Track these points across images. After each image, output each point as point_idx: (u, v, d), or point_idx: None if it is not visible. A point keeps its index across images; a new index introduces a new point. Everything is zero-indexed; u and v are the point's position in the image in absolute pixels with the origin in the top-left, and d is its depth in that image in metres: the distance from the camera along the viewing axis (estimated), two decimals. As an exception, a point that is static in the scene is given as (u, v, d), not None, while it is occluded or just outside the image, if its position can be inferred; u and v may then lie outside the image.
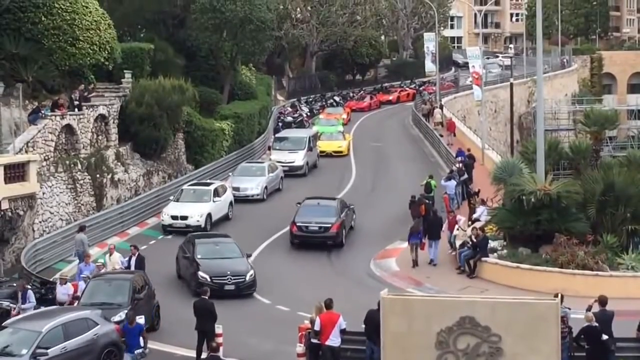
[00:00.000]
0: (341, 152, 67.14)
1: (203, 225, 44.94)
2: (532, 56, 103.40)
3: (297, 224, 43.16)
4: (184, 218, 45.11)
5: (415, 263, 39.91)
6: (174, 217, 45.28)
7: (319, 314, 25.58)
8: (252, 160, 59.50)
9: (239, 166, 55.63)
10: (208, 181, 50.67)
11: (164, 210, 46.25)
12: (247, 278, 35.56)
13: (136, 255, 34.44)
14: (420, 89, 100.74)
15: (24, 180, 39.12)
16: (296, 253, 42.57)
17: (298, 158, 59.85)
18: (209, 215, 45.66)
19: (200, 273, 35.16)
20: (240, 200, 50.99)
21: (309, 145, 61.05)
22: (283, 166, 58.11)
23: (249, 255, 37.48)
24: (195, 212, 45.29)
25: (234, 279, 35.27)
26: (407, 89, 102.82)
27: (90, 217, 43.83)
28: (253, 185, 52.43)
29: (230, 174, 55.21)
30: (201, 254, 36.36)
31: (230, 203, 48.46)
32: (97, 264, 33.50)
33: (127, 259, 34.62)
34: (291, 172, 58.64)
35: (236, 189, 51.65)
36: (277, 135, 65.66)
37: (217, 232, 42.37)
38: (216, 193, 47.23)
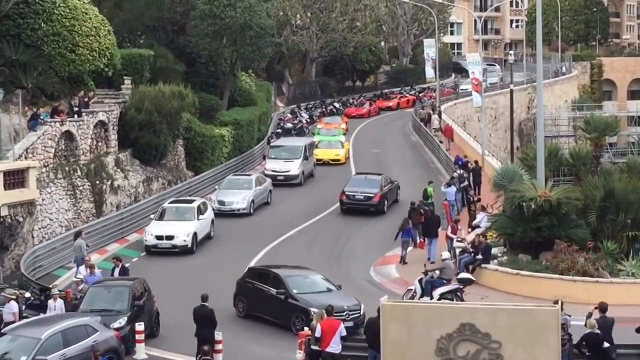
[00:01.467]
0: (339, 160, 66.32)
1: (190, 246, 42.77)
2: (532, 62, 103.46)
3: (346, 193, 51.20)
4: (170, 238, 42.66)
5: (403, 260, 41.19)
6: (159, 237, 42.73)
7: (319, 321, 25.55)
8: (240, 172, 57.82)
9: (225, 179, 53.44)
10: (190, 198, 48.32)
11: (146, 229, 43.77)
12: (361, 312, 31.46)
13: (119, 266, 33.86)
14: (420, 95, 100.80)
15: (24, 186, 39.12)
16: (292, 262, 42.45)
17: (293, 167, 58.60)
18: (195, 235, 43.40)
19: (315, 310, 29.61)
20: (226, 214, 49.19)
21: (305, 154, 59.82)
22: (278, 175, 57.41)
23: (339, 287, 33.27)
24: (181, 231, 42.95)
25: (352, 314, 31.15)
26: (407, 95, 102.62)
27: (90, 223, 43.78)
28: (239, 199, 50.33)
29: (216, 186, 53.04)
30: (297, 289, 32.29)
31: (212, 221, 45.95)
32: (76, 279, 32.74)
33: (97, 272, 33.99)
34: (286, 182, 57.68)
35: (221, 202, 49.96)
36: (272, 144, 64.42)
37: (287, 264, 37.07)
38: (199, 211, 44.79)
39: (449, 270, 34.54)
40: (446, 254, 35.88)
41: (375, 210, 50.45)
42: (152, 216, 45.00)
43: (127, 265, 40.39)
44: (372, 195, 50.70)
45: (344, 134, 74.95)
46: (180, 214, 44.16)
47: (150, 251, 42.75)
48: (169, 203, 45.99)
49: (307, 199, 54.14)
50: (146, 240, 43.03)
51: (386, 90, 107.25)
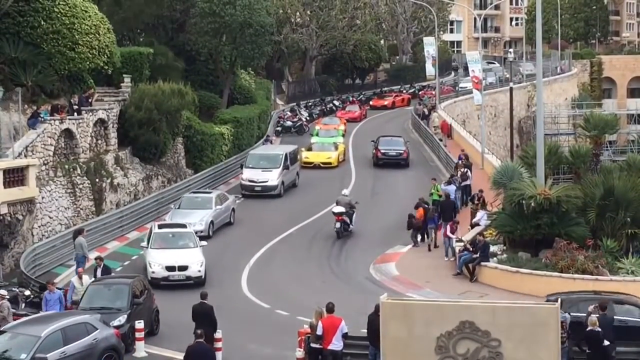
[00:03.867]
0: (330, 163, 63.41)
1: (203, 277, 37.78)
2: (531, 60, 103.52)
3: (381, 151, 63.32)
4: (183, 268, 37.49)
5: (429, 247, 43.25)
6: (170, 268, 37.37)
7: (318, 319, 25.54)
8: (199, 189, 51.82)
9: (182, 197, 48.31)
10: (178, 222, 42.71)
11: (149, 260, 37.95)
12: None
13: (101, 266, 33.39)
14: (420, 93, 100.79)
15: (23, 184, 39.06)
16: (292, 260, 42.49)
17: (272, 177, 54.52)
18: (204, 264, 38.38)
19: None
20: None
21: (285, 163, 55.51)
22: (255, 186, 54.33)
23: None
24: (193, 260, 37.86)
25: None
26: (402, 94, 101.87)
27: (90, 221, 43.76)
28: (196, 220, 44.43)
29: (171, 206, 47.97)
30: None
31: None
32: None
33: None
34: (264, 193, 54.16)
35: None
36: (250, 152, 59.32)
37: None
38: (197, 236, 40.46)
39: (342, 201, 46.10)
40: (345, 191, 48.44)
41: (404, 163, 62.98)
42: (143, 244, 40.20)
43: (126, 263, 40.66)
44: (402, 152, 63.55)
45: (343, 135, 73.31)
46: (176, 241, 39.40)
47: (159, 285, 36.29)
48: (160, 228, 40.33)
49: (282, 214, 50.61)
50: (153, 272, 37.25)
51: (385, 89, 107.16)
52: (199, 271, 37.56)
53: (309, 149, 65.11)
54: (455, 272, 38.97)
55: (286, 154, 56.28)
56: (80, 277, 32.17)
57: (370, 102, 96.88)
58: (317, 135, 71.16)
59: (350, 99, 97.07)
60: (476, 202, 46.11)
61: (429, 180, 52.03)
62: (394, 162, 62.58)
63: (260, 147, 63.41)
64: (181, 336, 29.41)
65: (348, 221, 45.86)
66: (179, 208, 46.66)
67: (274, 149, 60.86)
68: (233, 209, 49.05)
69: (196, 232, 41.91)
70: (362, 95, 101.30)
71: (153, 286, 34.45)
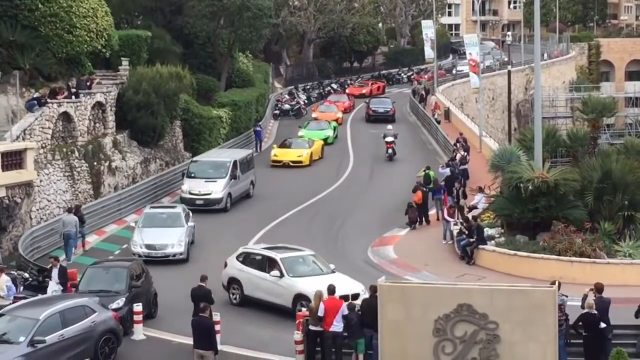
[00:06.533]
0: (301, 162, 58.79)
1: None
2: (529, 43, 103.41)
3: (372, 109, 76.44)
4: (356, 297, 29.96)
5: (437, 217, 44.53)
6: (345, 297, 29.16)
7: (318, 302, 25.64)
8: (159, 204, 46.27)
9: (143, 213, 41.26)
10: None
11: (291, 285, 31.02)
12: None
13: (57, 266, 31.47)
14: (413, 77, 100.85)
15: (22, 167, 39.08)
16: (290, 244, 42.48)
17: (216, 189, 47.35)
18: None
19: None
20: (157, 261, 37.37)
21: (233, 172, 48.38)
22: (197, 199, 46.97)
23: None
24: (356, 287, 31.06)
25: None
26: (377, 82, 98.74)
27: (88, 204, 43.77)
28: (174, 241, 38.31)
29: (132, 224, 41.69)
30: None
31: None
32: None
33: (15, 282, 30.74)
34: (207, 207, 46.83)
35: (151, 247, 38.12)
36: (193, 158, 51.92)
37: None
38: None
39: (389, 133, 61.00)
40: (390, 126, 64.08)
41: (392, 119, 73.97)
42: (272, 273, 31.65)
43: (124, 246, 40.66)
44: (389, 109, 76.20)
45: (339, 125, 71.00)
46: (306, 268, 32.46)
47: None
48: (282, 253, 32.72)
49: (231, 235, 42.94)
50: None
51: (384, 72, 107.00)
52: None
53: (282, 146, 60.76)
54: (459, 256, 38.78)
55: (235, 161, 49.05)
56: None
57: (347, 91, 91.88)
58: (305, 128, 67.02)
59: (349, 82, 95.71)
60: (458, 198, 45.93)
61: (425, 165, 51.98)
62: (383, 118, 73.93)
63: (207, 152, 54.78)
64: (179, 319, 29.49)
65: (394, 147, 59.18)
66: (142, 226, 39.54)
67: (221, 154, 52.54)
68: (194, 226, 41.52)
69: (174, 255, 38.06)
70: (360, 78, 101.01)
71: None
